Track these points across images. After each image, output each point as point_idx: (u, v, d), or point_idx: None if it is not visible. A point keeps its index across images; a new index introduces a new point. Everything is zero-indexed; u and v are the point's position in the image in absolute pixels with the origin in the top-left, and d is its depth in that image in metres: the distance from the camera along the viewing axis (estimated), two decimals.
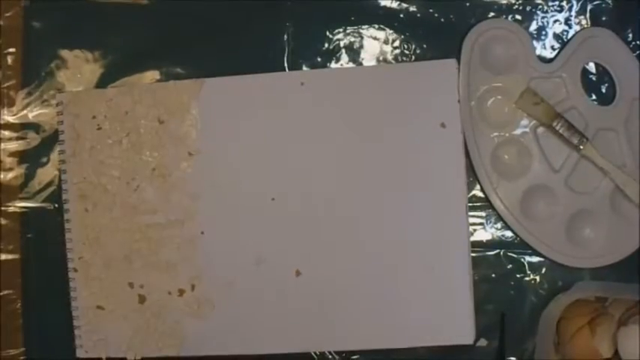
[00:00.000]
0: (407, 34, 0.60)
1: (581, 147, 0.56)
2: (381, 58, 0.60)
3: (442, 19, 0.59)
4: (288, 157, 0.59)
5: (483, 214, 0.59)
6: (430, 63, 0.58)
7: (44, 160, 0.62)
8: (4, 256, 0.62)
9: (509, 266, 0.59)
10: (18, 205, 0.62)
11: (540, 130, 0.58)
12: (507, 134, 0.58)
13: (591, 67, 0.58)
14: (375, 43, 0.60)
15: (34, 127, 0.62)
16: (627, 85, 0.57)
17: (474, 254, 0.58)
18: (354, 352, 0.59)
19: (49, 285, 0.61)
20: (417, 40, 0.59)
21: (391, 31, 0.60)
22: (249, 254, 0.58)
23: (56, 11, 0.61)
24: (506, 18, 0.59)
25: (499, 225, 0.59)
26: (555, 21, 0.59)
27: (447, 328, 0.57)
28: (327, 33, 0.60)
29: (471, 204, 0.58)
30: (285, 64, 0.60)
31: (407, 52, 0.60)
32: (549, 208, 0.58)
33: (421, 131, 0.57)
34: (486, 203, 0.58)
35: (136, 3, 0.61)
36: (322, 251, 0.58)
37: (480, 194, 0.59)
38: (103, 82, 0.61)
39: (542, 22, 0.59)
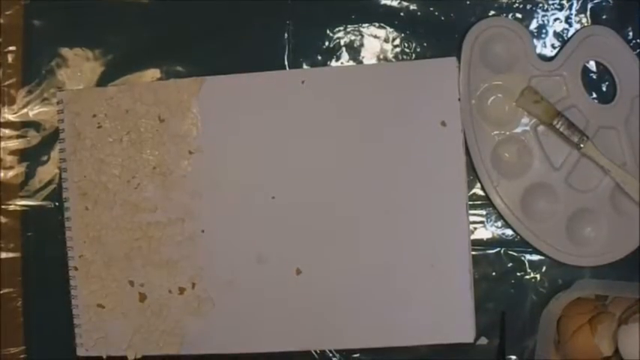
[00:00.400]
0: (407, 32, 0.60)
1: (582, 145, 0.56)
2: (381, 57, 0.60)
3: (442, 18, 0.59)
4: (288, 156, 0.59)
5: (484, 212, 0.59)
6: (430, 61, 0.58)
7: (44, 158, 0.62)
8: (4, 255, 0.62)
9: (510, 265, 0.59)
10: (18, 204, 0.62)
11: (541, 128, 0.58)
12: (508, 132, 0.58)
13: (592, 65, 0.58)
14: (375, 42, 0.60)
15: (35, 125, 0.62)
16: (627, 84, 0.57)
17: (474, 252, 0.58)
18: (354, 351, 0.60)
19: (50, 283, 0.61)
20: (417, 38, 0.59)
21: (391, 30, 0.60)
22: (249, 252, 0.58)
23: (56, 9, 0.61)
24: (507, 16, 0.59)
25: (499, 223, 0.59)
26: (556, 19, 0.59)
27: (447, 327, 0.57)
28: (328, 31, 0.60)
29: (471, 202, 0.58)
30: (286, 63, 0.60)
31: (407, 50, 0.60)
32: (550, 207, 0.58)
33: (421, 129, 0.57)
34: (487, 201, 0.58)
35: (136, 1, 0.61)
36: (323, 250, 0.58)
37: (481, 192, 0.59)
38: (103, 81, 0.61)
39: (543, 21, 0.59)
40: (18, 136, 0.62)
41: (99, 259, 0.60)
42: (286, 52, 0.60)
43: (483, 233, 0.59)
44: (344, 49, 0.60)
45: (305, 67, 0.60)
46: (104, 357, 0.60)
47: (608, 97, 0.58)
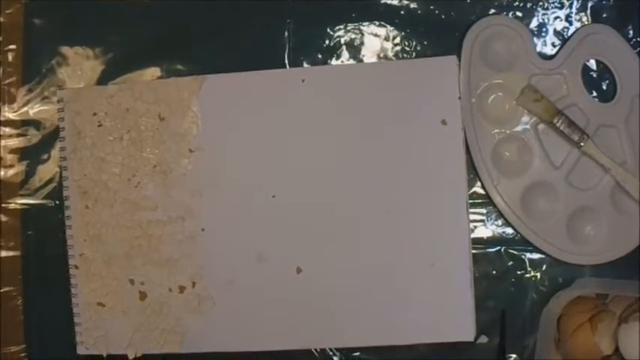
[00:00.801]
0: (407, 30, 0.60)
1: (582, 144, 0.56)
2: (381, 55, 0.60)
3: (443, 16, 0.59)
4: (288, 155, 0.59)
5: (484, 210, 0.59)
6: (431, 60, 0.58)
7: (45, 156, 0.62)
8: (4, 253, 0.62)
9: (510, 263, 0.59)
10: (18, 202, 0.62)
11: (541, 126, 0.58)
12: (508, 131, 0.58)
13: (592, 63, 0.58)
14: (375, 40, 0.60)
15: (35, 123, 0.62)
16: (628, 82, 0.57)
17: (474, 251, 0.58)
18: (354, 349, 0.60)
19: (50, 282, 0.61)
20: (417, 36, 0.59)
21: (392, 28, 0.60)
22: (249, 251, 0.58)
23: (57, 8, 0.61)
24: (507, 15, 0.59)
25: (500, 222, 0.59)
26: (556, 18, 0.59)
27: (447, 325, 0.57)
28: (328, 30, 0.60)
29: (471, 201, 0.58)
30: (286, 61, 0.60)
31: (407, 48, 0.60)
32: (550, 205, 0.58)
33: (422, 128, 0.57)
34: (487, 200, 0.58)
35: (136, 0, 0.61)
36: (323, 248, 0.58)
37: (481, 191, 0.59)
38: (103, 79, 0.61)
39: (543, 19, 0.59)
40: (18, 135, 0.62)
41: (99, 258, 0.60)
42: (286, 51, 0.60)
43: (484, 232, 0.59)
44: (344, 47, 0.60)
45: (305, 65, 0.60)
46: (104, 355, 0.60)
47: (609, 96, 0.58)
